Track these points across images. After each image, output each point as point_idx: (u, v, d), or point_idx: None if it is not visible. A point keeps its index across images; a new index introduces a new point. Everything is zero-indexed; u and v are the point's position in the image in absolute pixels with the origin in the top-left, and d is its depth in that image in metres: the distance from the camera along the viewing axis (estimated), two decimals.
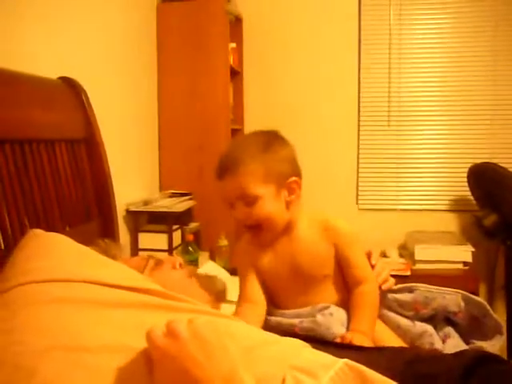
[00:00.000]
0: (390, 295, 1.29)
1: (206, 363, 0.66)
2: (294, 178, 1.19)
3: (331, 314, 1.16)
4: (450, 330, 1.25)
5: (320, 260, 1.21)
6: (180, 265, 1.22)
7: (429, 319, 1.27)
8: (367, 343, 1.09)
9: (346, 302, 1.22)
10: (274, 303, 1.27)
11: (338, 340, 1.12)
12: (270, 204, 1.16)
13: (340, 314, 1.18)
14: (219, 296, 1.27)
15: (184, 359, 0.67)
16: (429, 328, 1.24)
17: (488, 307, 1.25)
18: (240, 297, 1.28)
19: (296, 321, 1.18)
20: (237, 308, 1.26)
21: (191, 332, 0.69)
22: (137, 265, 1.13)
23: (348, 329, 1.16)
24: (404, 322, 1.26)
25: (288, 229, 1.22)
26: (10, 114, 1.28)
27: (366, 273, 1.23)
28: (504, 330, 1.23)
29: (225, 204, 1.20)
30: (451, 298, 1.25)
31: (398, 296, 1.29)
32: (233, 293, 1.50)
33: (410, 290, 1.29)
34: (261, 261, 1.24)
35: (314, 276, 1.21)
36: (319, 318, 1.16)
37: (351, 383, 0.74)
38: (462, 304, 1.25)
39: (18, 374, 0.70)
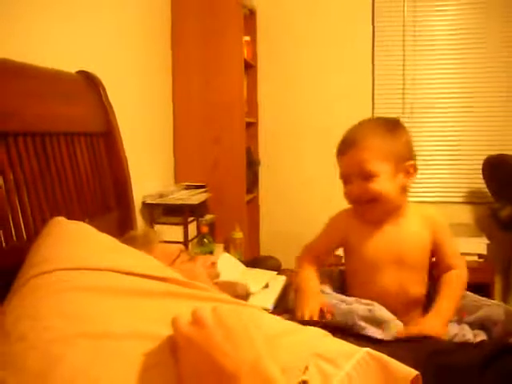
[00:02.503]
0: None
1: (232, 351, 0.67)
2: (412, 162, 1.22)
3: (370, 311, 1.15)
4: (480, 332, 1.22)
5: (422, 249, 1.24)
6: (212, 264, 1.23)
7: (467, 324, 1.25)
8: (435, 331, 1.11)
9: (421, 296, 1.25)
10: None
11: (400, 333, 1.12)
12: (386, 182, 1.18)
13: (382, 311, 1.16)
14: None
15: (210, 347, 0.67)
16: (466, 327, 1.22)
17: None
18: (310, 248, 1.34)
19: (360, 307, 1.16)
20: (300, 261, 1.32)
21: (216, 320, 0.69)
22: (171, 252, 1.16)
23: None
24: None
25: (397, 214, 1.24)
26: (30, 108, 1.30)
27: (457, 260, 1.26)
28: None
29: (341, 179, 1.25)
30: (495, 309, 1.23)
31: None
32: (251, 285, 1.50)
33: None
34: (363, 239, 1.25)
35: (412, 265, 1.23)
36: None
37: (373, 372, 0.74)
38: (503, 316, 1.22)
39: (45, 361, 0.70)
